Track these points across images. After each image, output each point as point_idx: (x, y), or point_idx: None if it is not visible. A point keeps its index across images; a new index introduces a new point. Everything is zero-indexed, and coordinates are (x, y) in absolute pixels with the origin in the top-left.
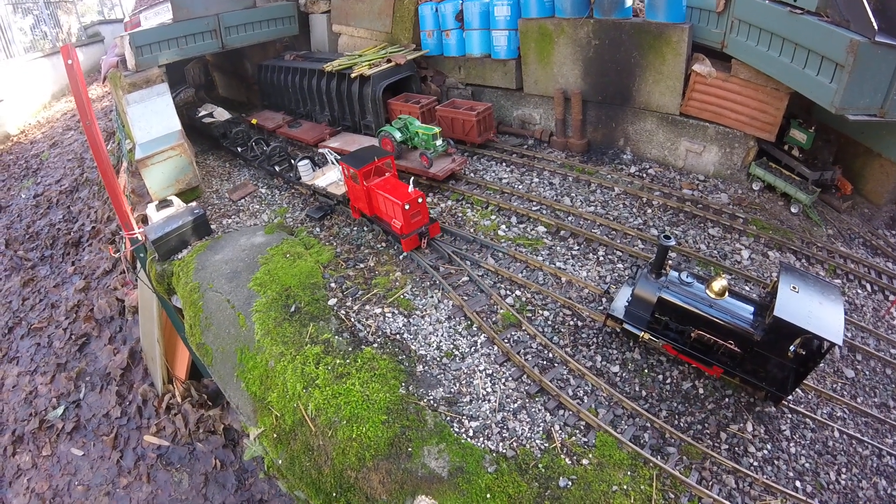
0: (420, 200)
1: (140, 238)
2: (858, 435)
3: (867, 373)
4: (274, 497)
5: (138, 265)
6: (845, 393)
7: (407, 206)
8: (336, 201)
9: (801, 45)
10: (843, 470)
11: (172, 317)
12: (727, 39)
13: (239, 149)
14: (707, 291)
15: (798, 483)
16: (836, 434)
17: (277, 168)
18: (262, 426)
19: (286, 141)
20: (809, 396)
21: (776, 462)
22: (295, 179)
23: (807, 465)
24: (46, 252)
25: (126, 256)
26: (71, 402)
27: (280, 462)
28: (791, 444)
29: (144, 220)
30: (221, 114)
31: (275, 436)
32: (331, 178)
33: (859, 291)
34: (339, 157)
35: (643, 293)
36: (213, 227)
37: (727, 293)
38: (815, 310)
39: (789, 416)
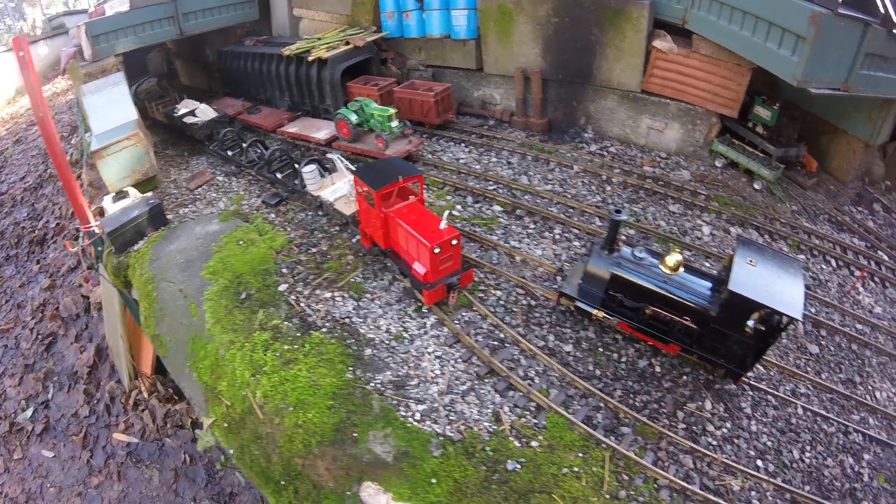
0: (455, 242)
1: (97, 231)
2: (823, 412)
3: (832, 348)
4: (244, 490)
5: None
6: (809, 369)
7: (437, 250)
8: (345, 221)
9: (762, 18)
10: (808, 448)
11: (134, 311)
12: (688, 15)
13: (229, 153)
14: (661, 267)
15: (760, 462)
16: (800, 411)
17: (280, 175)
18: (213, 416)
19: (256, 133)
20: (771, 373)
21: (736, 441)
22: (300, 188)
23: (769, 443)
24: (11, 251)
25: (82, 251)
26: (40, 404)
27: (231, 452)
28: (752, 422)
29: (102, 213)
30: (205, 112)
31: (225, 425)
32: (341, 189)
33: (824, 267)
34: (352, 167)
35: (596, 270)
36: (169, 217)
37: (682, 268)
38: (773, 283)
39: (750, 393)
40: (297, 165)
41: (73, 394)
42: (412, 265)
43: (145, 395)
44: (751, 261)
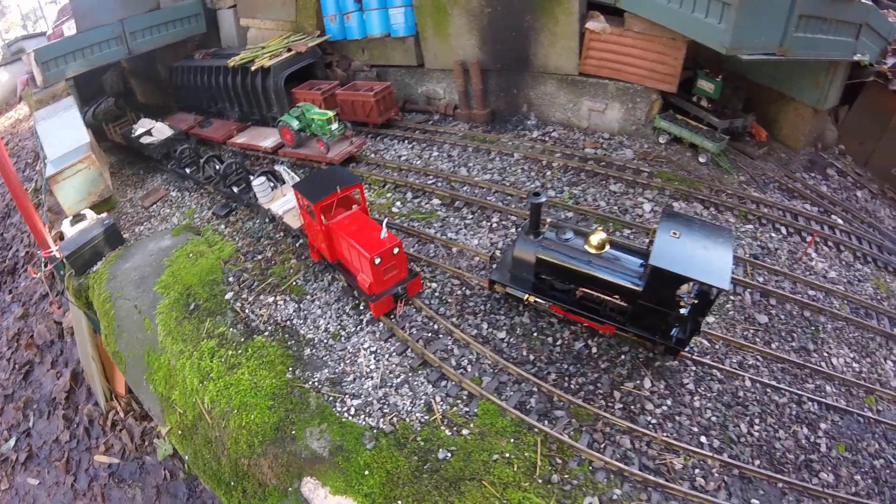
0: (396, 250)
1: (58, 256)
2: (774, 382)
3: (783, 317)
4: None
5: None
6: (758, 340)
7: (378, 260)
8: (294, 234)
9: None
10: (757, 421)
11: (100, 331)
12: None
13: (188, 170)
14: (586, 246)
15: (703, 438)
16: (748, 383)
17: (236, 189)
18: (169, 424)
19: (211, 147)
20: (717, 346)
21: (678, 418)
22: (254, 202)
23: (713, 418)
24: None
25: (50, 277)
26: (22, 432)
27: (187, 458)
28: (695, 398)
29: (62, 237)
30: (161, 130)
31: (180, 432)
32: (290, 201)
33: (773, 235)
34: (297, 178)
35: (522, 254)
36: (126, 235)
37: (608, 246)
38: (698, 255)
39: (693, 368)
40: (251, 178)
41: (53, 420)
42: (357, 276)
43: (122, 414)
44: (674, 233)
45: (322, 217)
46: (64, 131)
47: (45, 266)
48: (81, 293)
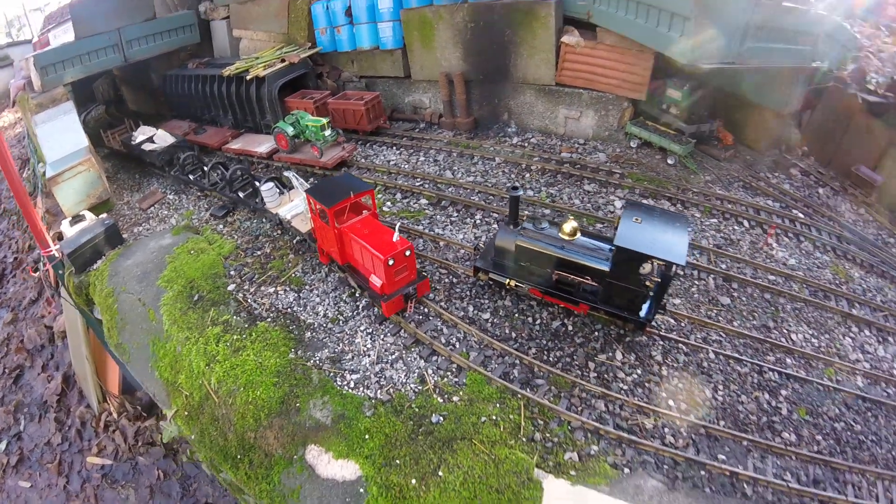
0: (408, 253)
1: (57, 255)
2: (736, 355)
3: (744, 299)
4: (219, 498)
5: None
6: (721, 318)
7: (391, 262)
8: (301, 238)
9: (653, 5)
10: (721, 387)
11: (97, 331)
12: (592, 9)
13: (191, 176)
14: (559, 234)
15: (672, 402)
16: (712, 355)
17: (242, 194)
18: (175, 406)
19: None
20: (682, 324)
21: (647, 385)
22: (261, 207)
23: (680, 385)
24: None
25: (44, 276)
26: (12, 436)
27: (193, 437)
28: (663, 368)
29: (61, 237)
30: (163, 137)
31: (186, 413)
32: (298, 206)
33: (736, 228)
34: (306, 184)
35: (503, 243)
36: (125, 236)
37: (579, 233)
38: (658, 237)
39: (661, 343)
40: (257, 183)
41: (45, 423)
42: (369, 278)
43: (115, 415)
44: (636, 219)
45: (335, 221)
46: (63, 135)
47: (44, 265)
48: (81, 290)
